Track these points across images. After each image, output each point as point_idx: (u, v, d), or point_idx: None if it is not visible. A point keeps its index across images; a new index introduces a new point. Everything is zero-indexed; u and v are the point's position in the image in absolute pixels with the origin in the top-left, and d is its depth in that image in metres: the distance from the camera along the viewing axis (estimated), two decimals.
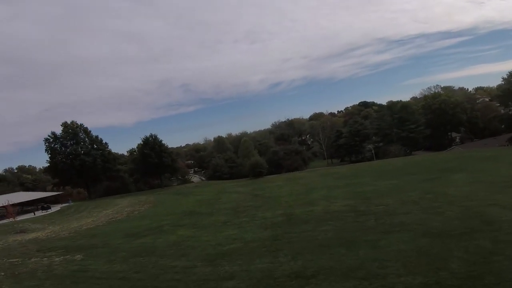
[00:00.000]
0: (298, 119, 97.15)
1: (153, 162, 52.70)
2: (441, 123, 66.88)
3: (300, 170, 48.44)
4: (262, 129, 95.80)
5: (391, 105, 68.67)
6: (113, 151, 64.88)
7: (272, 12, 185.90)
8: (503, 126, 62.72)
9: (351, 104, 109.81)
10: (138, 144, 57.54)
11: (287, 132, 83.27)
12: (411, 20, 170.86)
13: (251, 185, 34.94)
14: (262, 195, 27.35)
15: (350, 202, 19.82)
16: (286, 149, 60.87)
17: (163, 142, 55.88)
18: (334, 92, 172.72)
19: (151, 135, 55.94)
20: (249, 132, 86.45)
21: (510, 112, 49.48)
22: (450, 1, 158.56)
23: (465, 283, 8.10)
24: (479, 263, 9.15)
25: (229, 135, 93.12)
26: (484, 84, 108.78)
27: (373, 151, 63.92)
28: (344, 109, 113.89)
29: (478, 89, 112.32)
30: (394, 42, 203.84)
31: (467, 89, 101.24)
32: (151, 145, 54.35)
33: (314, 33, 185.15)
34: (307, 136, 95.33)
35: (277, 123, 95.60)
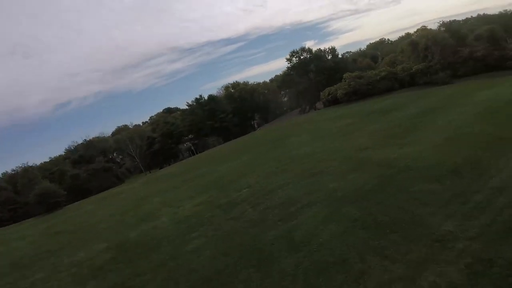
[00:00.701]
0: (99, 137, 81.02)
1: None
2: (244, 110, 72.82)
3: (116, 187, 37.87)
4: (53, 157, 72.60)
5: (199, 98, 68.19)
6: None
7: (51, 22, 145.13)
8: (285, 108, 76.29)
9: (156, 113, 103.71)
10: None
11: (88, 153, 66.57)
12: (200, 28, 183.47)
13: (45, 222, 22.45)
14: (65, 230, 17.11)
15: (204, 198, 14.59)
16: (90, 169, 47.14)
17: None
18: (136, 103, 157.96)
19: None
20: (32, 165, 62.54)
21: (293, 91, 60.14)
22: (228, 10, 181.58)
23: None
24: (471, 217, 6.05)
25: (4, 174, 65.14)
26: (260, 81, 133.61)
27: (192, 148, 61.03)
28: (149, 118, 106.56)
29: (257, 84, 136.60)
30: (186, 50, 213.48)
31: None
32: None
33: (105, 44, 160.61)
34: (114, 153, 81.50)
35: (72, 147, 75.53)
